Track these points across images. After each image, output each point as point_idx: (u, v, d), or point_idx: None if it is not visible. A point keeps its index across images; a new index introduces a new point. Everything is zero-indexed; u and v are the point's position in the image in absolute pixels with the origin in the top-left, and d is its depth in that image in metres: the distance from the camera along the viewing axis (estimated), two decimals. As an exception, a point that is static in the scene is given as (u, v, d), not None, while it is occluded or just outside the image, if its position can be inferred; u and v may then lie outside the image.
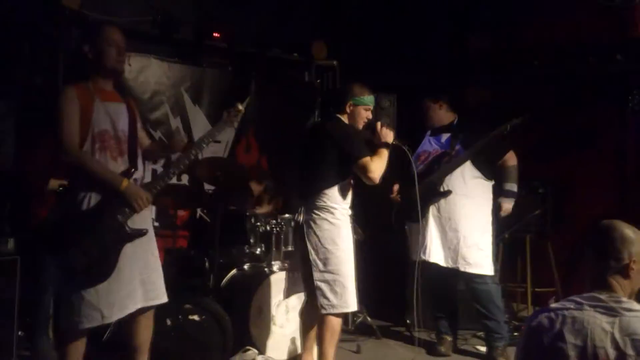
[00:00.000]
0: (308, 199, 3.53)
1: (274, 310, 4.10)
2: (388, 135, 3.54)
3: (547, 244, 5.13)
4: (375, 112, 3.70)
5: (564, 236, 5.20)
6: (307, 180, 3.57)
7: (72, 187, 2.96)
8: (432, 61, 5.75)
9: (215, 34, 5.58)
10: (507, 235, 5.01)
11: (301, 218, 3.55)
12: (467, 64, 5.84)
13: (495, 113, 5.32)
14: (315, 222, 3.47)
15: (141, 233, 2.94)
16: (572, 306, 2.09)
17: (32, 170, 3.85)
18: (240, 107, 3.22)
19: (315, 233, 3.47)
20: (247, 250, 4.50)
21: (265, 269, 4.24)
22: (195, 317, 3.73)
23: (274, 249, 4.38)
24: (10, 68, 4.61)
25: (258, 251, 4.50)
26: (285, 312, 4.15)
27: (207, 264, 4.32)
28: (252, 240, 4.51)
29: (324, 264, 3.45)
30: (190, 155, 3.09)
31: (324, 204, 3.47)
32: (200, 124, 5.48)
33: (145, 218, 3.07)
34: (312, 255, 3.47)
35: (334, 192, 3.48)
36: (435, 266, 4.22)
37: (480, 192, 4.24)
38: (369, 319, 4.85)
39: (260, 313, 4.05)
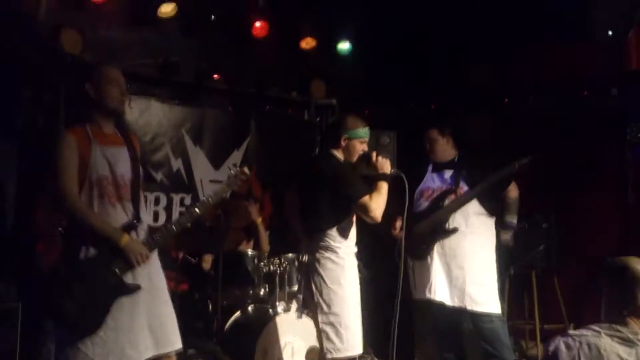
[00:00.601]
0: (311, 238, 3.49)
1: (279, 353, 4.04)
2: (385, 165, 3.48)
3: (554, 279, 5.09)
4: (376, 149, 3.67)
5: (570, 270, 5.17)
6: (309, 220, 3.54)
7: (70, 234, 2.92)
8: (431, 97, 5.80)
9: (215, 76, 5.64)
10: (512, 271, 4.97)
11: (305, 258, 3.51)
12: (466, 99, 5.90)
13: (494, 148, 5.35)
14: (319, 262, 3.42)
15: (137, 288, 2.87)
16: (589, 333, 2.17)
17: (38, 214, 3.84)
18: (246, 170, 3.24)
19: (319, 273, 3.41)
20: (251, 292, 4.45)
21: (270, 311, 4.18)
22: (199, 363, 3.67)
23: (277, 289, 4.33)
24: (12, 111, 4.63)
25: (262, 292, 4.45)
26: (291, 355, 4.09)
27: (210, 306, 4.28)
28: (255, 281, 4.46)
29: (329, 306, 3.38)
30: (193, 213, 3.08)
31: (327, 244, 3.42)
32: (201, 164, 5.49)
33: (155, 266, 3.03)
34: (317, 297, 3.41)
35: (336, 232, 3.43)
36: (440, 305, 4.16)
37: (484, 229, 4.21)
38: (376, 360, 4.77)
39: (265, 356, 3.98)
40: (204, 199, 3.15)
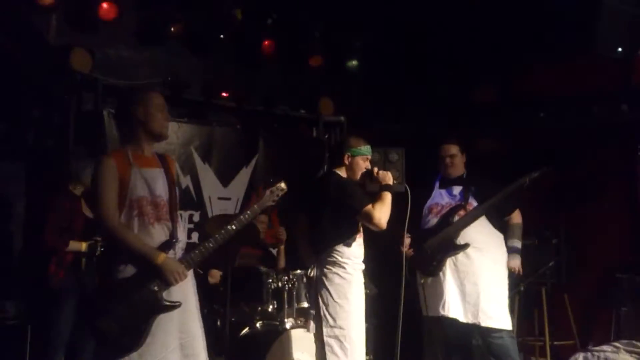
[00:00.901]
0: (320, 254, 3.53)
1: (288, 369, 4.02)
2: (386, 177, 3.54)
3: (564, 295, 5.05)
4: (385, 166, 3.71)
5: (580, 286, 5.13)
6: (316, 237, 3.58)
7: (110, 254, 3.00)
8: (437, 114, 5.81)
9: (224, 94, 5.68)
10: (522, 287, 4.94)
11: (313, 273, 3.55)
12: (471, 115, 5.90)
13: (502, 164, 5.34)
14: (326, 277, 3.47)
15: (175, 306, 2.93)
16: (609, 349, 2.21)
17: (49, 233, 3.87)
18: (283, 185, 3.27)
19: (326, 287, 3.46)
20: (259, 308, 4.43)
21: (278, 327, 4.17)
22: (209, 380, 3.64)
23: (286, 306, 4.32)
24: (21, 130, 4.68)
25: (270, 308, 4.43)
26: (299, 371, 4.06)
27: (218, 322, 4.27)
28: (264, 297, 4.45)
29: (334, 319, 3.42)
30: (229, 230, 3.11)
31: (335, 259, 3.47)
32: (209, 181, 5.51)
33: (190, 284, 3.06)
34: (322, 310, 3.45)
35: (344, 247, 3.48)
36: (452, 321, 4.14)
37: (495, 244, 4.21)
38: (385, 377, 4.73)
39: (274, 372, 3.96)
40: (241, 216, 3.18)
